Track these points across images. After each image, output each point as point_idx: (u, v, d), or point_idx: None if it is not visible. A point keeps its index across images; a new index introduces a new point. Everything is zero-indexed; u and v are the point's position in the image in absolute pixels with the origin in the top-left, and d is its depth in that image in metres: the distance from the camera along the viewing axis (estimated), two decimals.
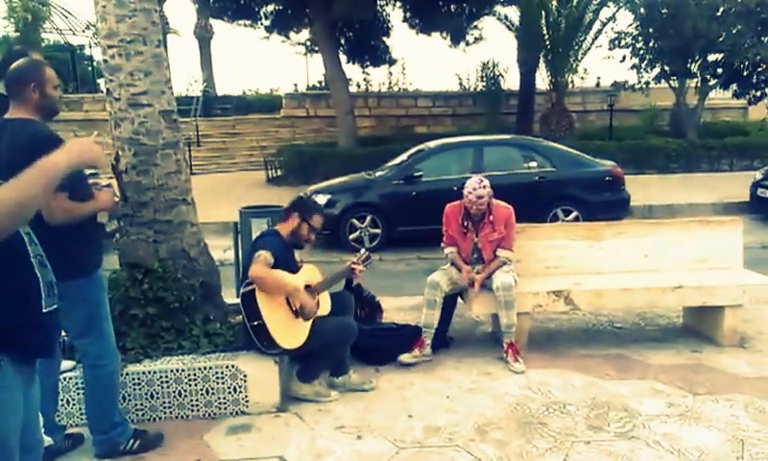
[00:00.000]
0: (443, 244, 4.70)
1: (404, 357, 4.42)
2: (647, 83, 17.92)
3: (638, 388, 3.99)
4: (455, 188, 4.50)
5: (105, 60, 3.95)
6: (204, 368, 3.68)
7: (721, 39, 15.82)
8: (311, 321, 3.73)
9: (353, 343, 4.01)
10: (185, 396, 3.67)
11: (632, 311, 5.42)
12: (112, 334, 3.19)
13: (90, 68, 26.30)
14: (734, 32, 15.63)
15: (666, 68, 17.22)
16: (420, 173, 9.08)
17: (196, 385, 3.67)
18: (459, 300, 4.80)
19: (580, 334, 5.06)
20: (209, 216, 10.85)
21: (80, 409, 3.58)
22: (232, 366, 3.69)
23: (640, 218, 10.04)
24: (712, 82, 17.28)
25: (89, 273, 3.04)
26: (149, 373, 3.64)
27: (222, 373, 3.68)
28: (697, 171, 15.91)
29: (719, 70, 16.91)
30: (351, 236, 8.94)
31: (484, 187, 4.42)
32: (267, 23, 19.36)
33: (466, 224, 4.56)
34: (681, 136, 17.33)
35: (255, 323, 3.52)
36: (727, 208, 11.05)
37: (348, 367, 4.06)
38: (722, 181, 14.05)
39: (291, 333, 3.63)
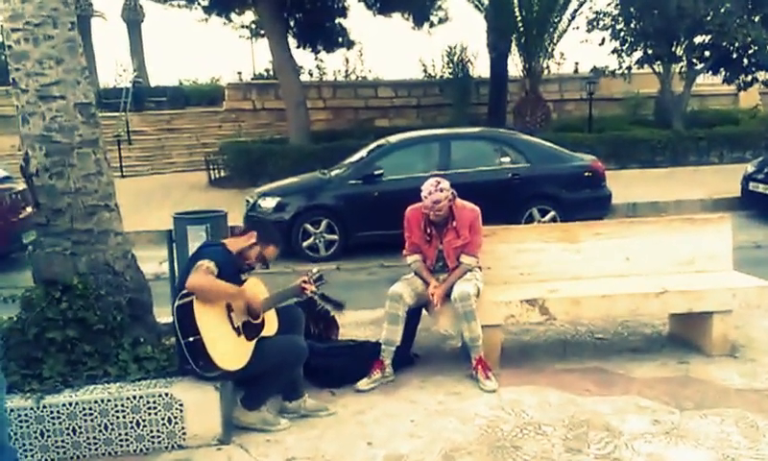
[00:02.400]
0: (405, 252, 4.73)
1: (362, 384, 4.42)
2: (629, 68, 18.33)
3: (621, 405, 4.07)
4: (421, 188, 4.51)
5: (9, 46, 3.86)
6: (134, 397, 3.63)
7: (708, 19, 16.20)
8: (255, 340, 3.71)
9: (305, 364, 4.01)
10: (113, 430, 3.62)
11: (613, 320, 5.53)
12: None
13: (4, 57, 25.67)
14: (723, 11, 16.01)
15: (649, 51, 17.60)
16: (381, 171, 9.10)
17: (125, 417, 3.62)
18: (424, 312, 4.83)
19: (557, 347, 5.13)
20: (143, 224, 10.72)
21: None
22: (166, 394, 3.65)
23: (624, 217, 10.25)
24: (699, 66, 17.75)
25: None
26: (70, 405, 3.58)
27: (154, 402, 3.64)
28: (684, 164, 16.33)
29: (707, 53, 17.35)
30: (305, 243, 8.91)
31: (441, 190, 4.43)
32: (205, 3, 19.16)
33: (428, 230, 4.59)
34: (666, 127, 17.76)
35: (191, 339, 3.49)
36: (716, 205, 11.37)
37: (303, 390, 4.05)
38: (711, 175, 14.46)
39: (232, 353, 3.61)
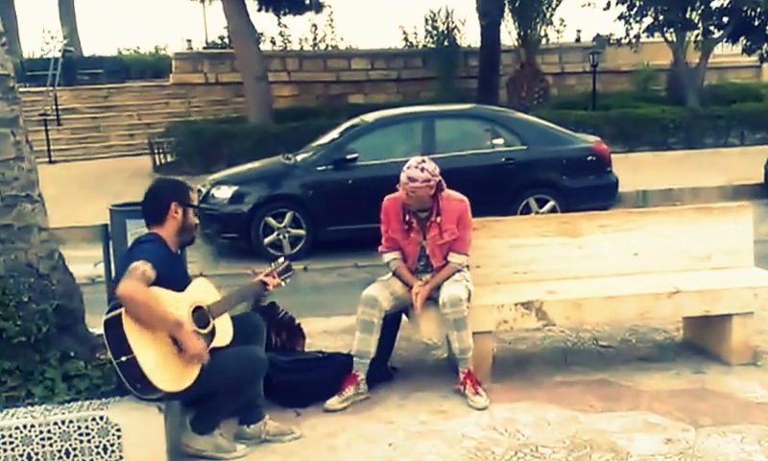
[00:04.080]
0: (381, 248, 4.70)
1: (332, 403, 4.39)
2: (637, 36, 18.48)
3: (628, 422, 4.09)
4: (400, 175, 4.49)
5: None
6: (63, 422, 3.57)
7: None
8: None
9: (266, 379, 3.98)
10: (38, 460, 3.55)
11: (620, 325, 5.56)
12: None
13: None
14: None
15: (661, 17, 17.75)
16: (356, 155, 9.08)
17: (52, 446, 3.56)
18: (404, 318, 4.82)
19: (556, 357, 5.15)
20: (74, 218, 10.60)
21: None
22: (101, 418, 3.60)
23: (632, 207, 10.33)
24: (717, 34, 17.95)
25: None
26: None
27: (87, 427, 3.58)
28: (700, 146, 16.51)
29: (725, 19, 17.53)
30: (267, 240, 8.87)
31: (422, 169, 4.40)
32: None
33: (408, 221, 4.57)
34: (680, 103, 17.92)
35: (123, 359, 3.43)
36: (737, 192, 11.52)
37: (263, 412, 4.01)
38: (731, 159, 14.65)
39: (175, 371, 3.54)
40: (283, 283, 4.21)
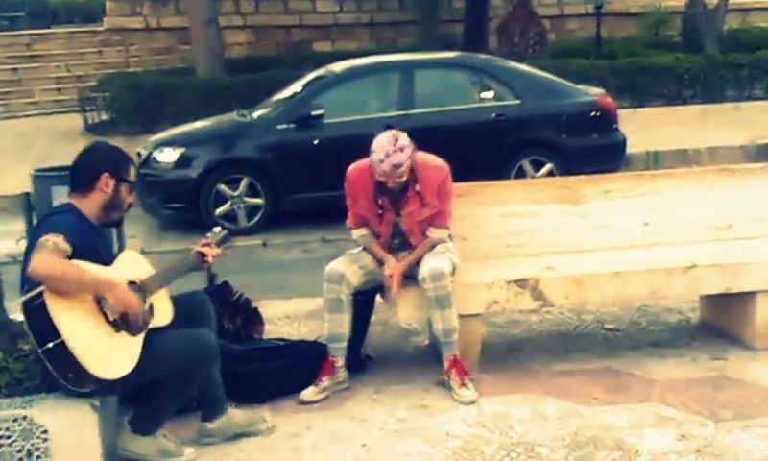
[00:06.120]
0: (349, 223, 4.70)
1: (307, 395, 4.40)
2: None
3: (638, 415, 4.11)
4: (374, 134, 4.45)
5: None
6: None
7: None
8: (143, 336, 3.63)
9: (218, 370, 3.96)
10: None
11: (628, 306, 5.58)
12: None
13: None
14: None
15: None
16: (322, 112, 9.04)
17: None
18: (379, 299, 4.81)
19: (555, 342, 5.17)
20: None
21: None
22: (24, 418, 3.57)
23: (642, 169, 10.34)
24: None
25: None
26: None
27: (8, 429, 3.55)
28: (720, 99, 16.53)
29: None
30: (218, 211, 8.83)
31: (402, 149, 4.34)
32: None
33: (379, 200, 4.53)
34: (697, 51, 17.98)
35: (50, 345, 3.40)
36: (761, 152, 11.61)
37: (224, 404, 4.01)
38: (755, 114, 14.72)
39: (111, 355, 3.52)
40: (223, 254, 4.20)
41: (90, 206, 3.75)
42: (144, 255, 4.01)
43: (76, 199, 3.77)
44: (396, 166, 4.34)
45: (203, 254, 4.05)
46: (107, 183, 3.76)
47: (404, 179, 4.43)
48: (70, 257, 3.47)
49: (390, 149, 4.33)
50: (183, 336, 3.80)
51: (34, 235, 3.64)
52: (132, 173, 3.93)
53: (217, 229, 4.29)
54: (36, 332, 3.44)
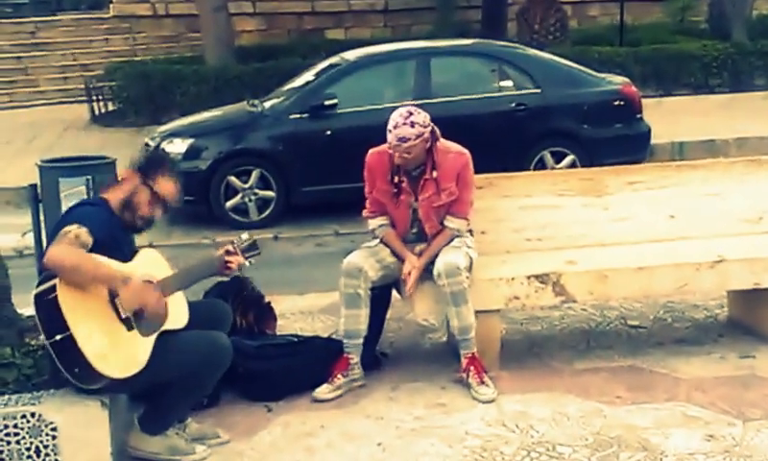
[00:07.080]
0: (365, 213, 4.70)
1: (321, 392, 4.41)
2: None
3: (663, 415, 4.11)
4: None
5: None
6: None
7: None
8: (155, 335, 3.65)
9: (230, 368, 3.98)
10: None
11: (653, 302, 5.57)
12: None
13: None
14: None
15: None
16: (335, 101, 9.03)
17: None
18: (395, 294, 4.82)
19: (577, 339, 5.16)
20: None
21: None
22: (33, 415, 3.59)
23: (668, 161, 10.29)
24: None
25: None
26: None
27: (16, 426, 3.57)
28: (749, 88, 16.42)
29: None
30: (229, 204, 8.85)
31: (412, 124, 4.34)
32: None
33: (398, 181, 4.53)
34: (725, 38, 17.87)
35: (58, 337, 3.43)
36: None
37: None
38: None
39: (119, 353, 3.55)
40: (248, 263, 4.19)
41: (114, 200, 3.78)
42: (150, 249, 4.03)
43: (109, 192, 3.83)
44: (401, 140, 4.33)
45: (227, 263, 4.04)
46: (130, 180, 3.81)
47: (412, 156, 4.40)
48: (91, 251, 3.50)
49: (400, 121, 4.35)
50: (197, 337, 3.82)
51: (59, 223, 3.67)
52: (165, 185, 3.87)
53: (245, 235, 4.27)
54: (45, 324, 3.47)
